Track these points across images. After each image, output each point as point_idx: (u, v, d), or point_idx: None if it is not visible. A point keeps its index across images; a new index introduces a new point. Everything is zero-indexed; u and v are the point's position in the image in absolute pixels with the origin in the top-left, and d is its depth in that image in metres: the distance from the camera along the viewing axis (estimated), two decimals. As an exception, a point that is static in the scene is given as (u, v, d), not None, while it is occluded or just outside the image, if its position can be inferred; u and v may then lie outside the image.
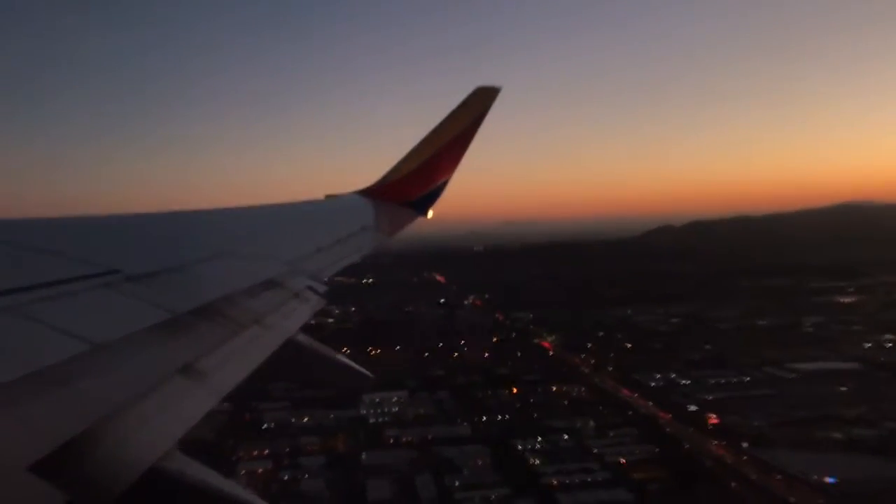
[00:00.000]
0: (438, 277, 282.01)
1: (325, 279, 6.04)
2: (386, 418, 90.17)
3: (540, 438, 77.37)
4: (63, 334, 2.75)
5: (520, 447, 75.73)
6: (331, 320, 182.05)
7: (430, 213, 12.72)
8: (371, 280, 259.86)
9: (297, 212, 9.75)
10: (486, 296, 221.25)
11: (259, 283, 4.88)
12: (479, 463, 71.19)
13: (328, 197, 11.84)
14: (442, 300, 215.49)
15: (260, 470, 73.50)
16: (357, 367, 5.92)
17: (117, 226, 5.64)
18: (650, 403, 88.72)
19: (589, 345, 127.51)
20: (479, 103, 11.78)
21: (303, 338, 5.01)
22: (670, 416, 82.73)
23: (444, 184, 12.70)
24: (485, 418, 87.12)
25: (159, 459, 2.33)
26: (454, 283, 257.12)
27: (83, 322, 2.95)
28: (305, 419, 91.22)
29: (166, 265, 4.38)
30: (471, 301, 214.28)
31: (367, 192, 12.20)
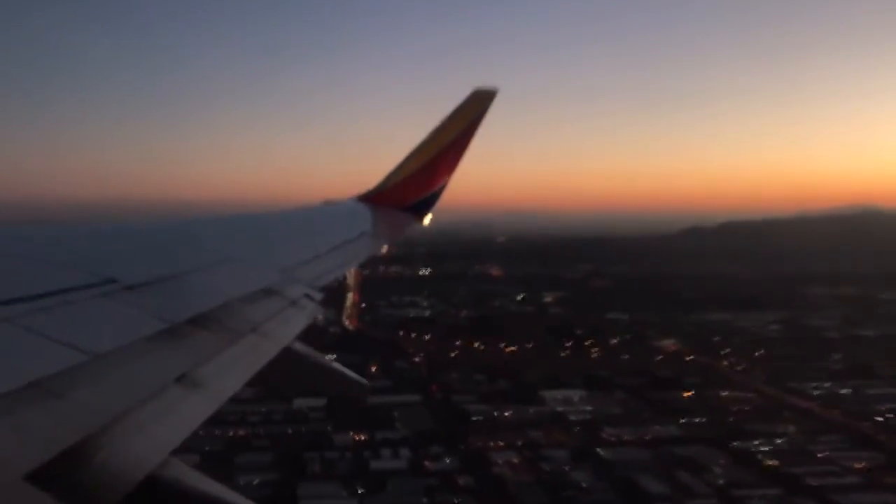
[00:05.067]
0: (494, 272, 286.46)
1: (322, 287, 6.13)
2: (586, 416, 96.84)
3: (757, 441, 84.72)
4: (60, 344, 2.85)
5: (743, 448, 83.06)
6: (427, 313, 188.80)
7: (428, 218, 12.87)
8: (428, 272, 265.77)
9: (294, 218, 9.91)
10: (560, 293, 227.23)
11: (256, 292, 5.00)
12: (722, 462, 78.35)
13: (325, 203, 12.08)
14: (521, 296, 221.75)
15: (515, 460, 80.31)
16: (354, 375, 6.18)
17: (113, 235, 5.73)
18: (836, 412, 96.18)
19: (724, 351, 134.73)
20: (476, 106, 11.85)
21: (300, 346, 5.19)
22: (867, 423, 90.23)
23: (442, 188, 12.78)
24: (683, 420, 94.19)
25: (156, 468, 2.41)
26: (511, 277, 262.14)
27: (80, 332, 3.06)
28: (507, 413, 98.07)
29: (163, 274, 4.47)
30: (551, 298, 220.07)
31: (365, 198, 12.40)
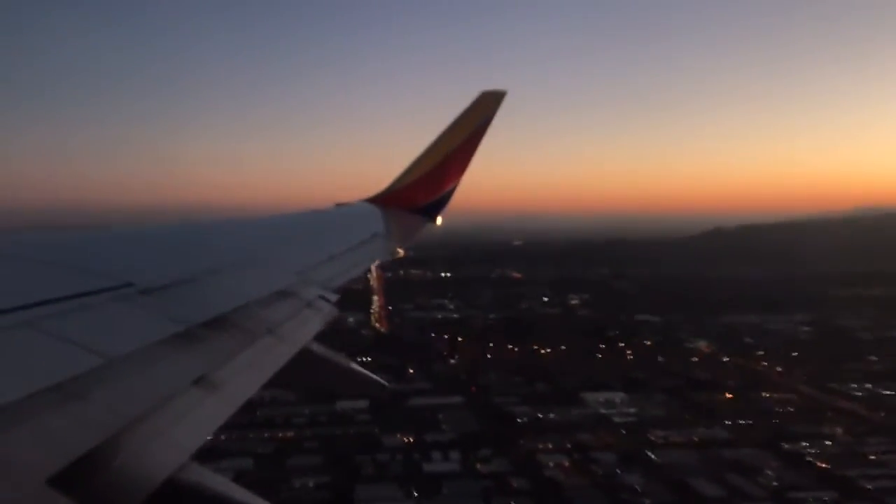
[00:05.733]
0: (515, 274, 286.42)
1: (337, 288, 6.15)
2: (630, 418, 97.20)
3: (805, 443, 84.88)
4: (78, 348, 2.85)
5: (792, 450, 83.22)
6: (455, 315, 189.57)
7: (440, 220, 12.83)
8: (449, 274, 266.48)
9: (307, 221, 9.93)
10: (586, 295, 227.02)
11: (271, 294, 5.03)
12: (774, 465, 78.53)
13: (337, 205, 12.03)
14: (546, 298, 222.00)
15: (566, 463, 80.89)
16: (372, 375, 6.16)
17: (129, 239, 5.74)
18: (881, 413, 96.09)
19: (759, 353, 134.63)
20: (485, 108, 11.93)
21: (317, 347, 5.19)
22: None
23: (453, 189, 12.78)
24: (728, 421, 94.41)
25: (176, 471, 2.43)
26: (533, 279, 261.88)
27: (98, 335, 3.06)
28: (551, 415, 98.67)
29: (179, 277, 4.48)
30: (577, 301, 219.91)
31: (376, 200, 12.42)
